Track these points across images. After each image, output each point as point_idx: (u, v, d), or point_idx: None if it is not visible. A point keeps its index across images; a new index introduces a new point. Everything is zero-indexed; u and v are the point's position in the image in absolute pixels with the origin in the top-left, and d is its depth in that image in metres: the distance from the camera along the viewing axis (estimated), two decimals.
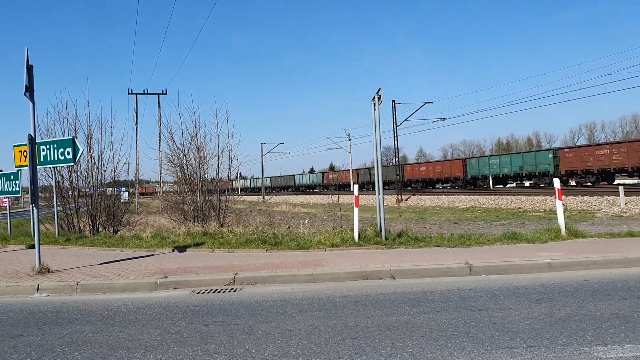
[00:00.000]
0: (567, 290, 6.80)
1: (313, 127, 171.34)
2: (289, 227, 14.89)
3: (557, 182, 11.69)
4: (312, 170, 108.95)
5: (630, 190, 25.73)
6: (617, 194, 23.76)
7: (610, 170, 38.72)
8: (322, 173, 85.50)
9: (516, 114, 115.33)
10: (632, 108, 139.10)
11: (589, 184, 39.99)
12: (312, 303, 6.64)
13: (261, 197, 64.99)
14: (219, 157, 16.22)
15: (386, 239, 11.43)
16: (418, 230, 15.04)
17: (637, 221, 16.69)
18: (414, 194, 43.22)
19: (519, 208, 27.08)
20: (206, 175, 16.66)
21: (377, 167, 11.82)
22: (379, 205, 11.76)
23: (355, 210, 11.51)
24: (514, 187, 47.04)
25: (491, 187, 47.10)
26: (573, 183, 41.72)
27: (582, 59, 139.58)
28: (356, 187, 12.21)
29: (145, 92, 41.96)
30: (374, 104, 11.84)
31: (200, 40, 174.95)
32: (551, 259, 8.54)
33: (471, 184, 52.71)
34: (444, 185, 58.02)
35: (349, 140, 68.09)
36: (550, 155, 44.12)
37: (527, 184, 47.88)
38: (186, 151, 16.32)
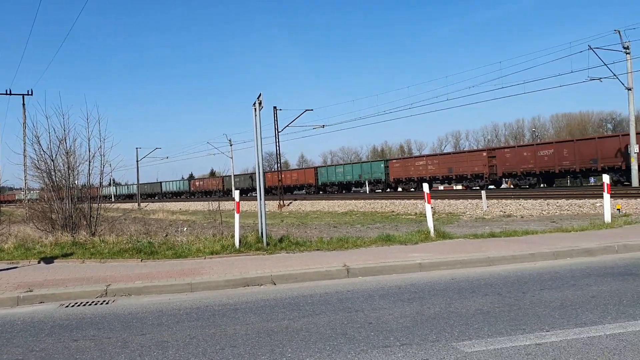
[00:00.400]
0: (436, 288, 7.22)
1: (193, 132, 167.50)
2: (166, 235, 14.42)
3: (426, 187, 12.38)
4: (191, 176, 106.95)
5: (491, 195, 27.97)
6: (480, 198, 25.69)
7: (426, 178, 45.00)
8: (189, 180, 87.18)
9: (390, 123, 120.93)
10: (493, 118, 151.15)
11: (412, 189, 46.73)
12: (190, 313, 6.48)
13: (136, 204, 62.37)
14: (89, 162, 15.30)
15: (268, 244, 11.44)
16: (299, 234, 15.23)
17: (497, 223, 18.12)
18: (295, 199, 43.73)
19: (393, 211, 28.34)
20: (76, 182, 15.67)
21: (259, 173, 11.82)
22: (261, 211, 11.75)
23: (236, 216, 11.41)
24: (361, 191, 53.28)
25: (367, 191, 51.44)
26: (400, 189, 48.96)
27: (448, 71, 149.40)
28: (237, 192, 12.11)
29: (8, 92, 38.56)
30: (255, 109, 11.84)
31: (71, 39, 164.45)
32: (422, 259, 9.02)
33: (322, 190, 58.11)
34: (299, 191, 63.09)
35: (231, 145, 67.46)
36: (382, 165, 51.65)
37: (367, 189, 53.72)
38: (54, 156, 15.24)
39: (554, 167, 36.35)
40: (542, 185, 38.22)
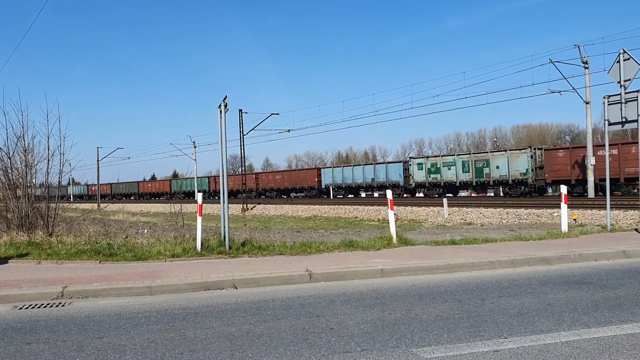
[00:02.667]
0: (398, 294, 7.27)
1: (156, 133, 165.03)
2: (126, 236, 14.15)
3: (389, 194, 12.49)
4: (153, 178, 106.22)
5: (452, 202, 28.42)
6: (442, 205, 26.05)
7: (233, 190, 62.88)
8: (88, 185, 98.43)
9: (355, 129, 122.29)
10: (456, 127, 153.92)
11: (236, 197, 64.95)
12: (149, 316, 6.37)
13: (96, 204, 61.19)
14: (48, 160, 14.99)
15: (230, 248, 11.35)
16: (262, 239, 15.15)
17: (458, 230, 18.40)
18: (259, 203, 43.54)
19: (356, 217, 28.50)
20: (34, 180, 15.31)
21: (223, 176, 11.72)
22: (223, 214, 11.65)
23: (199, 219, 11.29)
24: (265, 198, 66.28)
25: (199, 197, 67.89)
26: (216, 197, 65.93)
27: (413, 80, 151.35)
28: (200, 195, 12.00)
29: None
30: (220, 111, 11.75)
31: (33, 35, 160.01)
32: (384, 265, 9.09)
33: (173, 196, 74.70)
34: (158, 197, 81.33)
35: (194, 147, 66.87)
36: (207, 181, 73.16)
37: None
38: (11, 153, 14.87)
39: (282, 186, 61.28)
40: (282, 196, 59.84)
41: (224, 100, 11.58)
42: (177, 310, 6.68)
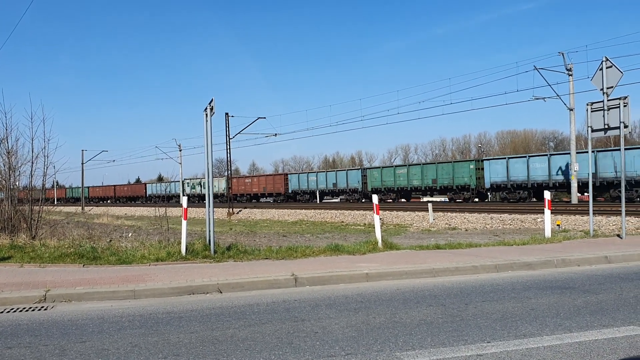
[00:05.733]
0: (382, 299, 7.30)
1: (142, 136, 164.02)
2: (110, 240, 14.03)
3: (375, 198, 12.53)
4: (138, 181, 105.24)
5: (437, 207, 28.59)
6: (427, 210, 26.18)
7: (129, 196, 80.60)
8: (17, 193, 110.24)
9: (342, 134, 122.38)
10: (441, 133, 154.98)
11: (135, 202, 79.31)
12: (133, 320, 6.33)
13: (80, 207, 60.63)
14: (32, 163, 14.87)
15: (215, 252, 11.31)
16: (248, 243, 15.12)
17: (442, 235, 18.49)
18: (245, 207, 43.43)
19: (342, 222, 28.52)
20: (17, 183, 15.17)
21: (209, 179, 11.69)
22: (209, 218, 11.62)
23: (184, 223, 11.24)
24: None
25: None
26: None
27: (399, 85, 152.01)
28: (185, 199, 11.95)
29: None
30: (206, 114, 11.73)
31: (16, 37, 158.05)
32: (369, 269, 9.11)
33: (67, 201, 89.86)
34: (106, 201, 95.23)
35: (180, 150, 66.49)
36: (87, 190, 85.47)
37: None
38: None
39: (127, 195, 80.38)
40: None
41: (210, 103, 11.55)
42: (161, 314, 6.64)
